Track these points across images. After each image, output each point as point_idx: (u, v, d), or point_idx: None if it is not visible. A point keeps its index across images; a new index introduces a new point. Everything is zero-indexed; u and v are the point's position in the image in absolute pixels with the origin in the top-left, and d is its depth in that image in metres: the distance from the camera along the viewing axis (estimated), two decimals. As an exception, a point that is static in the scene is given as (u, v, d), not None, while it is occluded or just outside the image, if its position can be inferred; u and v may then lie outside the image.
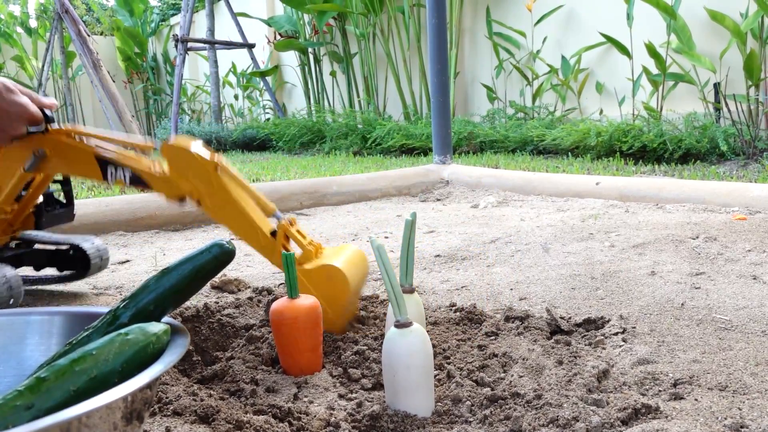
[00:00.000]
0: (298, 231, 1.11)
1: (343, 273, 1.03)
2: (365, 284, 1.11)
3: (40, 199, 1.39)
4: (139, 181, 1.16)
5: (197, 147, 1.11)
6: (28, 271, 1.52)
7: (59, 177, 1.44)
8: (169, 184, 1.13)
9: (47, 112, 1.19)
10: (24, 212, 1.37)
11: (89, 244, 1.45)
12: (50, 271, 1.53)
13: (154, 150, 1.18)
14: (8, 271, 1.24)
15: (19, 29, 10.87)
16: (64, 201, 1.46)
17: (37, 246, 1.46)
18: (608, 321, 1.13)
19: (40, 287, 1.53)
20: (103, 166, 1.18)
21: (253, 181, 3.52)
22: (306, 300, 0.94)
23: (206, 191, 1.09)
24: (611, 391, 0.85)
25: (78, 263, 1.46)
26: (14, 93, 1.12)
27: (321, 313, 0.96)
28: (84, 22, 11.04)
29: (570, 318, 1.15)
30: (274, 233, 1.08)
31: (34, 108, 1.15)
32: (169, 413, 0.82)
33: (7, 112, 1.11)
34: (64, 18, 6.34)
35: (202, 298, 1.41)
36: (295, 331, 0.92)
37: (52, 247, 1.47)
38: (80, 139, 1.20)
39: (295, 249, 1.10)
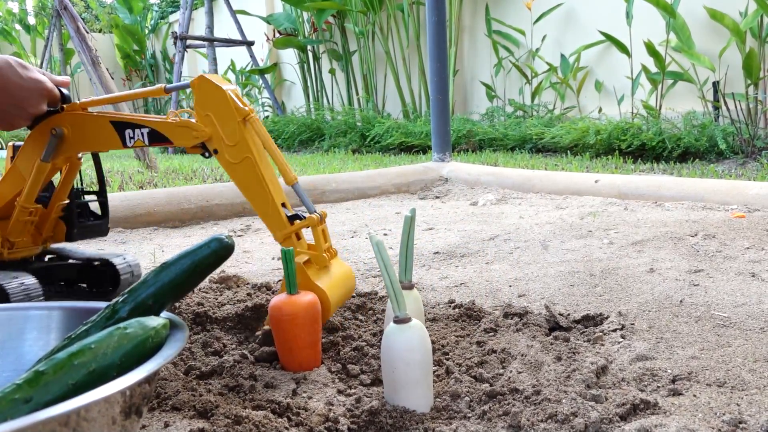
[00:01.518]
0: (323, 231, 1.04)
1: (329, 303, 0.99)
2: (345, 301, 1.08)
3: (66, 202, 1.33)
4: (158, 137, 1.10)
5: (233, 91, 1.03)
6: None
7: (95, 188, 1.39)
8: (189, 130, 1.05)
9: (62, 89, 1.17)
10: (51, 215, 1.30)
11: (120, 259, 1.38)
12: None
13: (167, 91, 1.12)
14: (27, 279, 1.18)
15: (18, 26, 10.85)
16: (99, 213, 1.40)
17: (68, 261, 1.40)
18: (607, 317, 1.13)
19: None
20: (121, 131, 1.13)
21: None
22: (305, 296, 0.94)
23: (227, 141, 1.02)
24: (610, 387, 0.85)
25: (108, 279, 1.39)
26: (29, 69, 1.10)
27: (320, 309, 0.96)
28: (83, 19, 11.02)
29: (569, 314, 1.16)
30: (294, 217, 1.02)
31: (50, 84, 1.13)
32: (167, 408, 0.82)
33: (26, 89, 1.08)
34: (62, 15, 6.33)
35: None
36: (294, 327, 0.92)
37: (83, 263, 1.40)
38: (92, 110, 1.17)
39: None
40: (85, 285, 1.42)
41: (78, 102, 1.17)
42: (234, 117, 1.01)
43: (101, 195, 1.40)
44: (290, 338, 0.93)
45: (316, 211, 1.04)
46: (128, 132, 1.12)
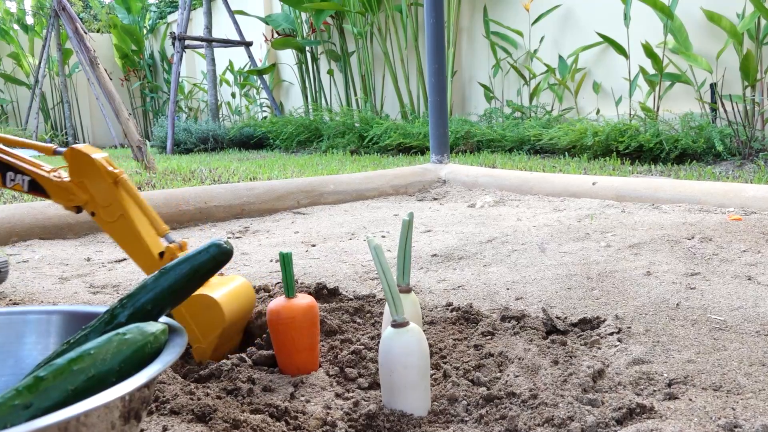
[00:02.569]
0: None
1: (219, 306, 1.00)
2: (248, 318, 1.09)
3: None
4: (37, 188, 1.15)
5: (100, 156, 1.11)
6: None
7: None
8: (67, 192, 1.12)
9: None
10: None
11: None
12: None
13: (56, 153, 1.17)
14: None
15: (16, 26, 10.83)
16: None
17: None
18: (604, 321, 1.13)
19: None
20: (3, 171, 1.17)
21: (251, 179, 3.51)
22: (303, 299, 0.95)
23: (102, 203, 1.10)
24: (606, 391, 0.85)
25: None
26: None
27: (318, 312, 0.96)
28: (81, 19, 11.01)
29: (566, 318, 1.16)
30: (162, 254, 1.09)
31: None
32: (166, 412, 0.82)
33: None
34: (60, 15, 6.32)
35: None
36: (292, 330, 0.93)
37: None
38: None
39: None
40: None
41: None
42: (105, 180, 1.09)
43: None
44: (288, 341, 0.93)
45: (175, 241, 1.12)
46: (10, 174, 1.16)
